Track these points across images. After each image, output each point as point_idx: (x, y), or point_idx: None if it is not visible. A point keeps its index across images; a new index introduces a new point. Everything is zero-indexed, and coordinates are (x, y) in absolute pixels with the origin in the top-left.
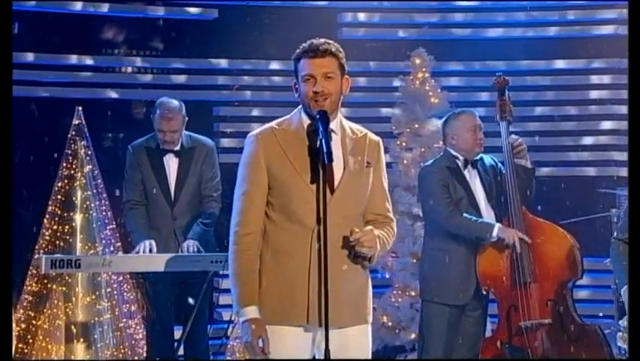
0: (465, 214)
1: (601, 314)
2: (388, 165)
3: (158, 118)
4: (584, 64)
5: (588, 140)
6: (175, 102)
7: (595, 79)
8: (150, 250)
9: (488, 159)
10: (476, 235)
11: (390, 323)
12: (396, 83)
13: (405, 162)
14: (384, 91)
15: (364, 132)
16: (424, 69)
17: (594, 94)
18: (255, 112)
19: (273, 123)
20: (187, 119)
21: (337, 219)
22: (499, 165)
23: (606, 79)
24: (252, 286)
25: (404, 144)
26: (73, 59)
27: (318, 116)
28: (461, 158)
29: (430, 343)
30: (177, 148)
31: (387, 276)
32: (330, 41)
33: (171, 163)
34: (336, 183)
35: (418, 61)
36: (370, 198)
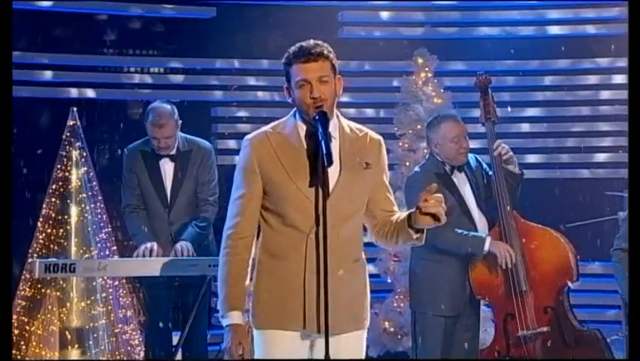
0: (455, 229)
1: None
2: (390, 167)
3: (150, 125)
4: (595, 63)
5: (595, 141)
6: (167, 107)
7: (605, 78)
8: (151, 252)
9: (473, 159)
10: (466, 250)
11: (392, 329)
12: (398, 83)
13: (407, 163)
14: (385, 91)
15: (365, 132)
16: (426, 69)
17: (605, 94)
18: (254, 113)
19: (268, 127)
20: (180, 122)
21: (333, 223)
22: (485, 165)
23: (617, 79)
24: (238, 290)
25: (406, 145)
26: (68, 58)
27: (317, 117)
28: (447, 164)
29: (424, 355)
30: (173, 152)
31: (389, 280)
32: (320, 42)
33: (167, 167)
34: (331, 186)
35: (420, 60)
36: (376, 197)
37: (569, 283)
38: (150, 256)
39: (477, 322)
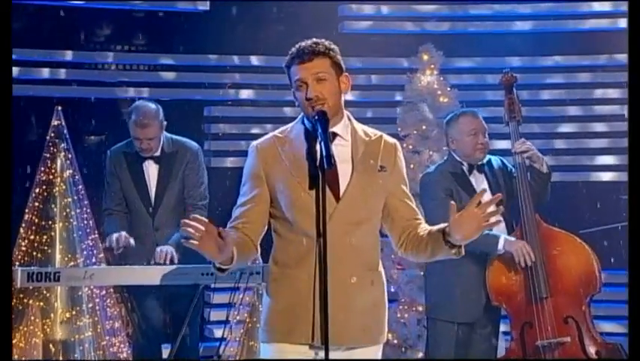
0: None
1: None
2: None
3: (132, 125)
4: (612, 59)
5: (613, 142)
6: (151, 106)
7: (624, 76)
8: (118, 241)
9: (497, 160)
10: (481, 248)
11: (395, 341)
12: (402, 81)
13: (412, 166)
14: (389, 89)
15: (379, 135)
16: (432, 66)
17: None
18: (250, 112)
19: (276, 132)
20: (165, 123)
21: (344, 228)
22: (510, 166)
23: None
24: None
25: (411, 146)
26: (52, 54)
27: (316, 117)
28: (465, 163)
29: None
30: (157, 153)
31: (392, 290)
32: (319, 41)
33: (151, 170)
34: (342, 189)
35: (425, 57)
36: (394, 203)
37: (593, 293)
38: (118, 244)
39: (493, 332)
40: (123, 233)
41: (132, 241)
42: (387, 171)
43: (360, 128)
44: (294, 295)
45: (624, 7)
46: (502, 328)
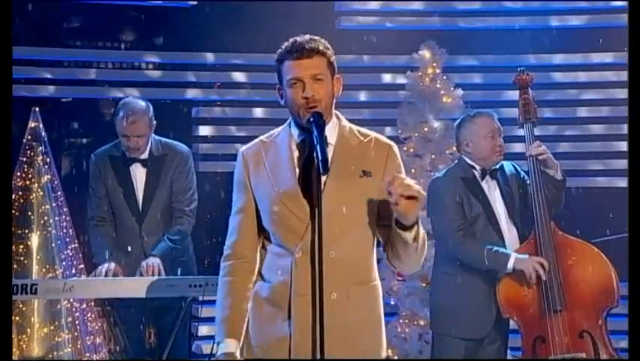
0: (479, 241)
1: None
2: None
3: (120, 121)
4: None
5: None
6: (140, 103)
7: None
8: (107, 275)
9: (510, 166)
10: (489, 266)
11: (395, 357)
12: (403, 80)
13: (413, 170)
14: (388, 89)
15: (370, 137)
16: (434, 64)
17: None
18: (241, 114)
19: (263, 136)
20: (155, 122)
21: (323, 240)
22: (523, 173)
23: None
24: (231, 316)
25: (412, 150)
26: (29, 52)
27: (312, 119)
28: (478, 167)
29: None
30: (145, 156)
31: (392, 302)
32: (316, 38)
33: (138, 174)
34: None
35: (427, 55)
36: (385, 209)
37: (610, 307)
38: (107, 276)
39: (502, 348)
40: (112, 265)
41: (120, 269)
42: (374, 175)
43: (348, 129)
44: (271, 310)
45: None
46: (512, 343)
